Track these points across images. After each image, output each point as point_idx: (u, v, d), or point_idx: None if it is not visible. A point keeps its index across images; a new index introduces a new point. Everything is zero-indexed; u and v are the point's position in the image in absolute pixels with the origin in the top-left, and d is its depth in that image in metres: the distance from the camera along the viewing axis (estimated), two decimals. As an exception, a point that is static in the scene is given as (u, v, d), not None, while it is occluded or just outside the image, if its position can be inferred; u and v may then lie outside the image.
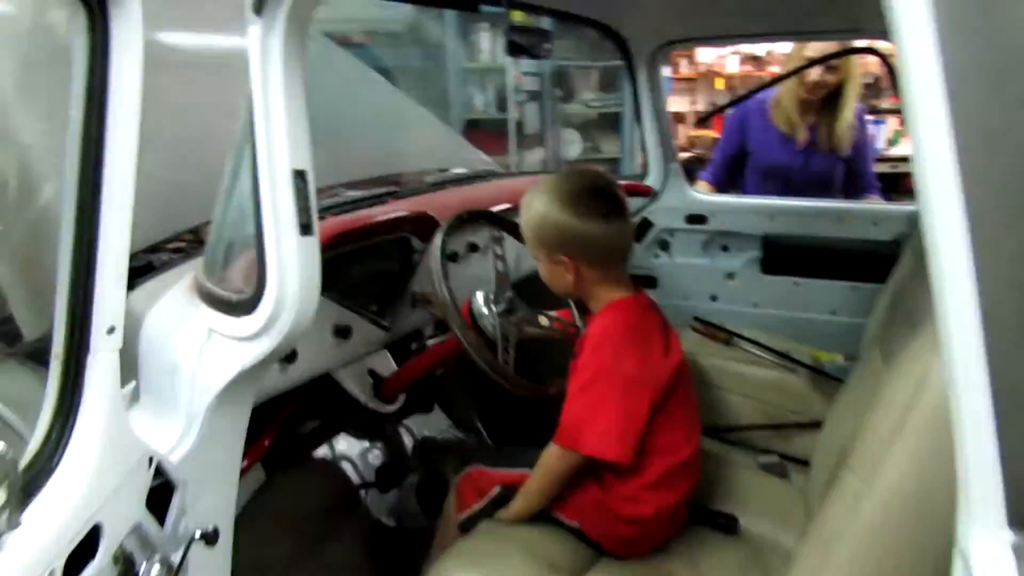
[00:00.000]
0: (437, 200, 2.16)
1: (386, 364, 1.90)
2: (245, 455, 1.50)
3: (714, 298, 2.75)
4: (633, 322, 1.44)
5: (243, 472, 1.72)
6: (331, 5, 2.68)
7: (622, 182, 2.79)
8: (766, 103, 2.77)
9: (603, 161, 5.77)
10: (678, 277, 2.74)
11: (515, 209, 2.17)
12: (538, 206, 1.45)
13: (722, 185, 2.90)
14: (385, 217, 1.82)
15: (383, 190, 2.12)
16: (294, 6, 1.09)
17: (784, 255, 2.62)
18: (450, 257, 1.99)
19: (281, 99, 1.12)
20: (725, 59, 6.28)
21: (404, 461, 2.18)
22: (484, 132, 5.49)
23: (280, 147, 1.13)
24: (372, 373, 1.84)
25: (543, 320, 1.65)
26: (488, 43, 5.44)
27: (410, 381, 1.80)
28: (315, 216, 1.19)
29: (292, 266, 1.17)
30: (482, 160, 2.85)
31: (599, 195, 1.44)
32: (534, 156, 5.52)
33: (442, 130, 2.90)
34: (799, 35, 2.56)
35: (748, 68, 6.19)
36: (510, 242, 1.81)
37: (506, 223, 1.78)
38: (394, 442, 2.20)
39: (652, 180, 2.77)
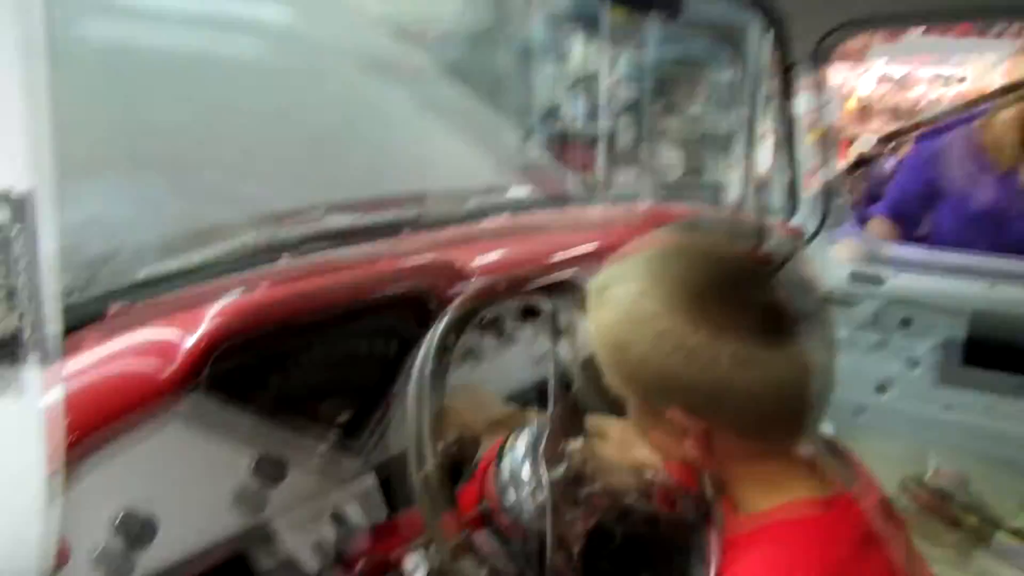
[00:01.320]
0: (478, 236, 1.40)
1: (369, 503, 1.14)
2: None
3: (881, 389, 1.89)
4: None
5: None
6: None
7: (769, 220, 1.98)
8: (971, 129, 2.03)
9: (706, 187, 4.94)
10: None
11: (604, 254, 1.42)
12: (624, 302, 0.68)
13: (907, 227, 2.05)
14: (378, 266, 1.07)
15: (395, 216, 1.38)
16: None
17: (1001, 342, 1.75)
18: (486, 329, 1.23)
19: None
20: (859, 77, 5.35)
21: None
22: (570, 146, 4.77)
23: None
24: (336, 519, 1.09)
25: (631, 480, 0.85)
26: (580, 46, 4.74)
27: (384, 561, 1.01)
28: (46, 317, 0.47)
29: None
30: (558, 176, 2.07)
31: (762, 289, 0.65)
32: (625, 177, 4.74)
33: (508, 140, 2.14)
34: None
35: (886, 88, 5.25)
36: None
37: (574, 292, 0.96)
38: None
39: (800, 219, 1.94)
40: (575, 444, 0.81)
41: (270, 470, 0.92)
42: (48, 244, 0.49)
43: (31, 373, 0.49)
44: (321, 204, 1.38)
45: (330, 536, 1.06)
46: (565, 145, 4.79)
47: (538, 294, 0.90)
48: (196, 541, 0.87)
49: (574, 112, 4.91)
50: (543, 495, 0.77)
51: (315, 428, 1.01)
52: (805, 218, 1.95)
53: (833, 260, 1.92)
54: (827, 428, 1.69)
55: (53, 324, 0.50)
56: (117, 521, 0.79)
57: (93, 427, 0.73)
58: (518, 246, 1.35)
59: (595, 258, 1.46)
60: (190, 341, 0.82)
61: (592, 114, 4.75)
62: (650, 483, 0.87)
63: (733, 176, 4.77)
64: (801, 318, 0.64)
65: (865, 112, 5.34)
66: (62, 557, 0.54)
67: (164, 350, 0.82)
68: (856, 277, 1.89)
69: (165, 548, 0.83)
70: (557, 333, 0.87)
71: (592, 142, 4.75)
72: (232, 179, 1.35)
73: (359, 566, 1.02)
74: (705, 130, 4.92)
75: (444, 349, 0.75)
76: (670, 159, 5.03)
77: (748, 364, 0.63)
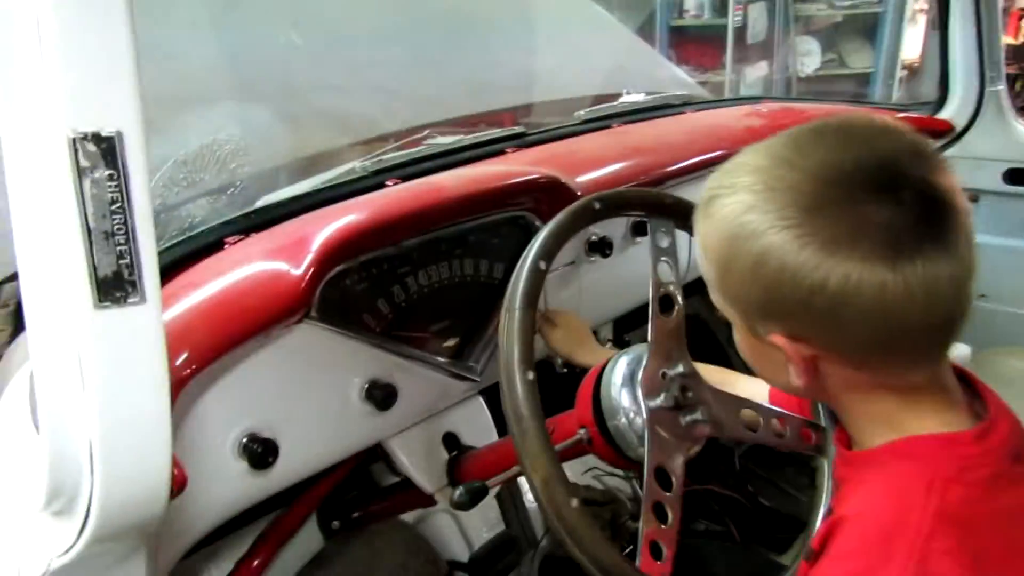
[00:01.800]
0: (587, 151, 1.35)
1: (477, 421, 1.17)
2: (292, 507, 1.12)
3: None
4: (975, 527, 0.58)
5: (290, 534, 1.17)
6: None
7: (902, 115, 1.79)
8: None
9: (850, 78, 4.52)
10: (986, 269, 1.70)
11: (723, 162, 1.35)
12: (729, 215, 0.62)
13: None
14: (481, 186, 1.05)
15: (502, 132, 1.35)
16: None
17: None
18: (595, 248, 1.20)
19: None
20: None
21: (517, 539, 1.45)
22: (695, 41, 4.47)
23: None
24: (450, 440, 1.12)
25: (746, 415, 0.82)
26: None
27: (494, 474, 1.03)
28: (146, 256, 0.48)
29: (84, 379, 0.47)
30: (678, 79, 1.96)
31: (888, 199, 0.56)
32: (756, 73, 4.41)
33: (620, 36, 2.02)
34: None
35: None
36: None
37: (682, 211, 0.90)
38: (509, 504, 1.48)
39: (951, 112, 1.73)
40: (676, 371, 0.78)
41: (381, 395, 0.94)
42: (140, 185, 0.50)
43: (135, 312, 0.52)
44: (424, 124, 1.36)
45: (442, 456, 1.10)
46: (689, 41, 4.50)
47: (638, 212, 0.84)
48: (315, 463, 0.92)
49: (699, 3, 4.58)
50: (643, 424, 0.75)
51: (424, 352, 1.04)
52: (955, 110, 1.74)
53: (985, 157, 1.71)
54: (962, 350, 1.55)
55: (151, 263, 0.51)
56: (242, 443, 0.85)
57: (211, 356, 0.77)
58: (628, 159, 1.29)
59: (708, 171, 1.39)
60: (299, 270, 0.84)
61: (720, 4, 4.41)
62: (756, 412, 0.82)
63: (879, 64, 4.34)
64: (935, 229, 0.55)
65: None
66: (179, 482, 0.58)
67: (276, 280, 0.85)
68: (1014, 176, 1.68)
69: (286, 469, 0.88)
70: (658, 252, 0.83)
71: (720, 36, 4.43)
72: (339, 102, 1.36)
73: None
74: (847, 12, 4.44)
75: (536, 272, 0.72)
76: (807, 49, 4.61)
77: (863, 287, 0.55)
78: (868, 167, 0.56)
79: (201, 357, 0.76)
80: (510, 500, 1.33)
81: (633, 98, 1.63)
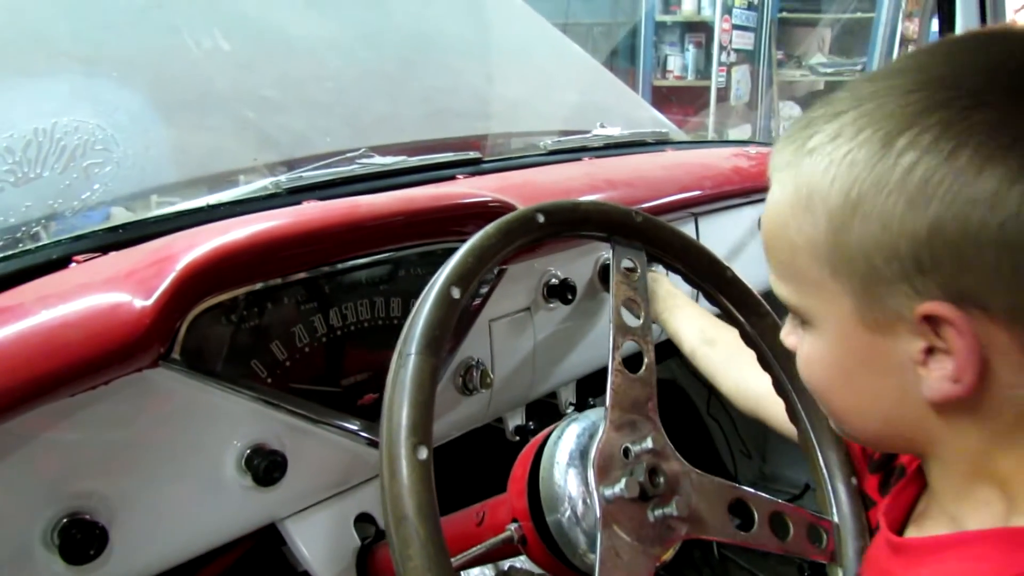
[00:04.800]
0: (549, 180, 1.17)
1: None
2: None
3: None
4: None
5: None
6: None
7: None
8: None
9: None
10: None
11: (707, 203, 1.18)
12: (851, 144, 0.43)
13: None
14: (410, 206, 0.85)
15: (454, 156, 1.16)
16: None
17: None
18: (554, 293, 1.01)
19: None
20: None
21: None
22: (678, 103, 4.41)
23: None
24: (365, 522, 0.90)
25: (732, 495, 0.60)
26: (691, -7, 4.35)
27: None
28: None
29: None
30: (658, 120, 1.81)
31: None
32: (739, 135, 4.35)
33: (594, 72, 1.87)
34: None
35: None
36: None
37: (658, 237, 0.70)
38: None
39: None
40: (643, 447, 0.57)
41: (263, 464, 0.72)
42: None
43: None
44: (368, 147, 1.18)
45: (352, 543, 0.88)
46: (672, 103, 4.45)
47: (596, 232, 0.64)
48: (164, 556, 0.70)
49: (683, 64, 4.55)
50: (595, 520, 0.54)
51: (331, 411, 0.82)
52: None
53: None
54: None
55: None
56: (56, 530, 0.62)
57: (2, 406, 0.55)
58: (597, 192, 1.10)
59: (689, 212, 1.21)
60: (147, 300, 0.63)
61: (704, 66, 4.37)
62: (751, 504, 0.61)
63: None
64: None
65: None
66: None
67: (113, 311, 0.64)
68: None
69: (118, 565, 0.66)
70: (623, 288, 0.62)
71: (703, 97, 4.38)
72: (265, 114, 1.17)
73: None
74: (829, 79, 4.42)
75: (446, 302, 0.51)
76: (790, 114, 4.56)
77: None
78: None
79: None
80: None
81: (607, 132, 1.46)
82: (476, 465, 0.98)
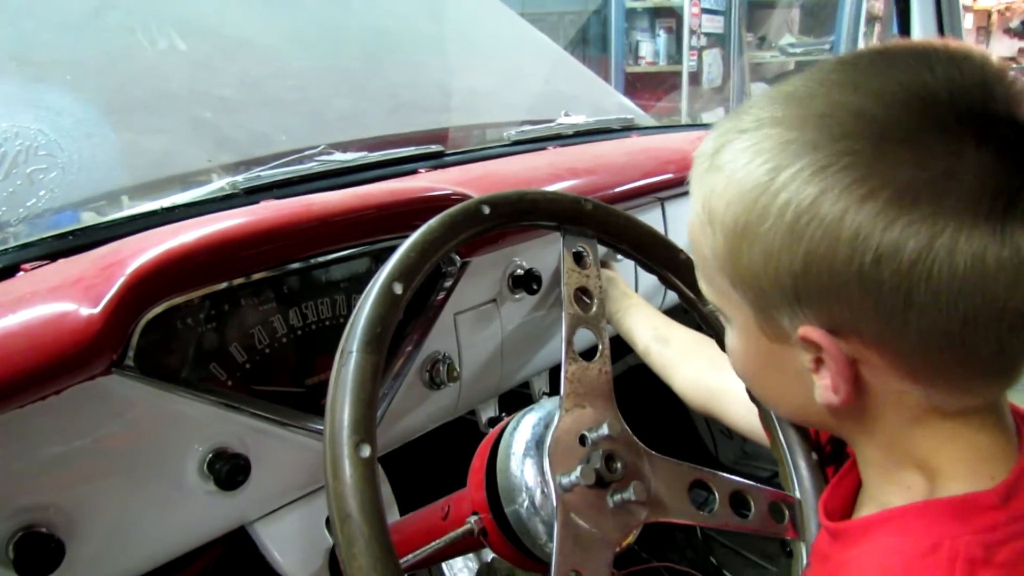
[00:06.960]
0: (512, 171, 1.16)
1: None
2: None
3: None
4: None
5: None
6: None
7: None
8: None
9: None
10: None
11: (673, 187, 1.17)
12: (750, 163, 0.44)
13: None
14: (366, 202, 0.84)
15: (415, 151, 1.16)
16: None
17: None
18: (519, 284, 1.00)
19: None
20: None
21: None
22: (650, 88, 4.41)
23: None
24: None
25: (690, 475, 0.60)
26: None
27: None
28: None
29: None
30: (624, 107, 1.80)
31: (983, 133, 0.39)
32: (711, 116, 4.36)
33: (560, 60, 1.86)
34: None
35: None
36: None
37: (609, 224, 0.70)
38: None
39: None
40: (599, 433, 0.57)
41: (226, 468, 0.72)
42: None
43: None
44: (329, 144, 1.17)
45: (323, 543, 0.87)
46: (644, 88, 4.45)
47: (546, 222, 0.64)
48: (123, 567, 0.69)
49: (654, 50, 4.54)
50: (552, 509, 0.54)
51: (295, 412, 0.81)
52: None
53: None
54: None
55: None
56: (9, 544, 0.61)
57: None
58: (560, 180, 1.10)
59: (654, 197, 1.21)
60: (94, 307, 0.62)
61: (675, 51, 4.37)
62: (712, 483, 0.62)
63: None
64: None
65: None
66: None
67: (60, 319, 0.63)
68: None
69: None
70: (575, 277, 0.62)
71: (675, 83, 4.38)
72: (222, 114, 1.15)
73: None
74: (800, 59, 4.44)
75: (388, 298, 0.50)
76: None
77: (955, 257, 0.38)
78: (961, 94, 0.40)
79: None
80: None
81: (572, 120, 1.45)
82: (451, 459, 0.97)
